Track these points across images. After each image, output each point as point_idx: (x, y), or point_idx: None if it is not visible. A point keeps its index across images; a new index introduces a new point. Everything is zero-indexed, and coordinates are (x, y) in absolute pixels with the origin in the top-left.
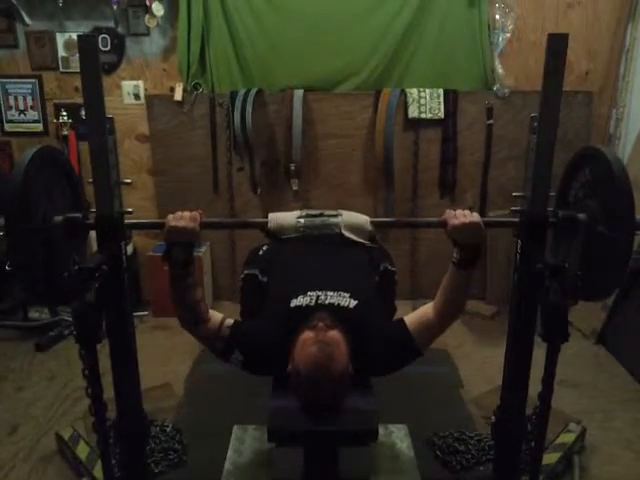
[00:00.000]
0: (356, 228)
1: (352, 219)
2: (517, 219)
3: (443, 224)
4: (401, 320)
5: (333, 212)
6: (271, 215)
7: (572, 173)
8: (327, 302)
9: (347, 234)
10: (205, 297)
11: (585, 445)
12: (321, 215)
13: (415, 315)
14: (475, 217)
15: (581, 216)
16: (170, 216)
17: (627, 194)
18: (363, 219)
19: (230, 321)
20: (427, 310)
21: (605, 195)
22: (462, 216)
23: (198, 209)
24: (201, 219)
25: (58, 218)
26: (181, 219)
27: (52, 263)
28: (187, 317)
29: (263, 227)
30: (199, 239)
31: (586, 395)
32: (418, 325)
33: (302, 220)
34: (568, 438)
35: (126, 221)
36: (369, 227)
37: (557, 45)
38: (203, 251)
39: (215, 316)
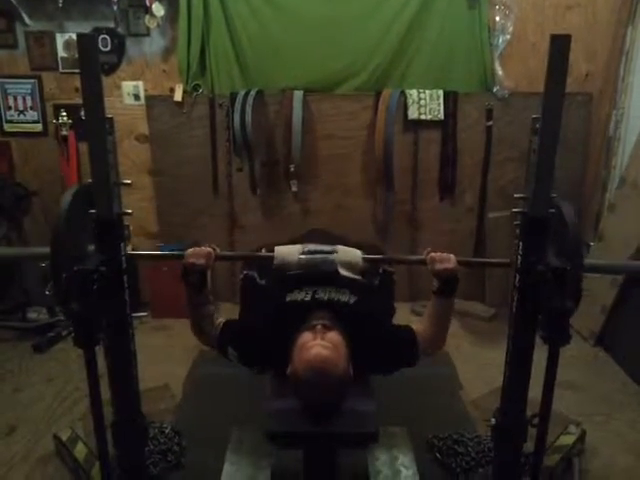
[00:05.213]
0: (350, 264)
1: (346, 256)
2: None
3: (424, 262)
4: (408, 326)
5: (330, 248)
6: (277, 250)
7: None
8: (326, 298)
9: (342, 272)
10: (215, 313)
11: (585, 447)
12: (320, 252)
13: (420, 327)
14: (452, 262)
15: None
16: (190, 251)
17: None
18: (356, 255)
19: (221, 320)
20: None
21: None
22: (440, 261)
23: (212, 244)
24: (215, 254)
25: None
26: (199, 256)
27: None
28: (195, 325)
29: (271, 261)
30: (212, 268)
31: (585, 397)
32: (423, 335)
33: (303, 257)
34: (568, 440)
35: (151, 252)
36: (361, 262)
37: (560, 46)
38: None
39: (215, 322)
